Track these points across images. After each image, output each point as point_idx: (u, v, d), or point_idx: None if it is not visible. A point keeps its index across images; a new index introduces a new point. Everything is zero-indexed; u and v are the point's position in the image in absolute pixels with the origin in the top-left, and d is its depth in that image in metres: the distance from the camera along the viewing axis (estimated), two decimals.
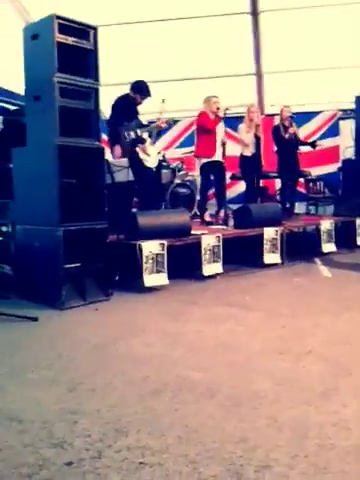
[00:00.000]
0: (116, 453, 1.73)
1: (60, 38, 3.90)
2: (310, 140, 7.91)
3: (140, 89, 5.65)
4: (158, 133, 6.04)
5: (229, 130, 7.00)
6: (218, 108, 6.21)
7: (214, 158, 6.32)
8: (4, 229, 4.82)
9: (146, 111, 6.16)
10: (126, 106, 5.61)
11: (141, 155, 5.58)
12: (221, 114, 6.20)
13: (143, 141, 5.67)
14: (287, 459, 1.69)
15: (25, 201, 4.25)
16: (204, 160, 6.44)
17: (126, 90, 5.75)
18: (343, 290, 4.49)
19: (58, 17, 3.88)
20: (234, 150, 7.03)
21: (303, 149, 7.61)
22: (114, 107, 5.59)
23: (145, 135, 5.75)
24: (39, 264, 4.04)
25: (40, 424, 1.96)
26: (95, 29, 4.15)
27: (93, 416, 2.03)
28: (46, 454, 1.73)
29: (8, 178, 4.44)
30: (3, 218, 4.85)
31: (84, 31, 4.09)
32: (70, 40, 3.98)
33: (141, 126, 5.78)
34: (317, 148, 7.61)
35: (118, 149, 5.56)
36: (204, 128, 6.33)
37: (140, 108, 5.84)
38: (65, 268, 3.89)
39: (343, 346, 2.91)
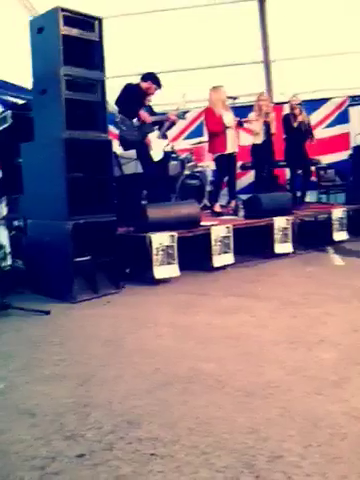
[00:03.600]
0: (128, 445, 1.74)
1: (65, 30, 3.88)
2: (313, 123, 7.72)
3: (155, 79, 5.65)
4: (169, 127, 6.00)
5: (239, 121, 6.91)
6: (226, 97, 6.16)
7: (227, 152, 6.27)
8: (16, 224, 4.84)
9: (161, 103, 6.13)
10: (136, 94, 5.58)
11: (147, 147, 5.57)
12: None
13: (150, 129, 5.65)
14: (299, 449, 1.68)
15: (35, 195, 4.27)
16: (218, 153, 6.40)
17: (132, 81, 5.72)
18: (355, 278, 4.45)
19: (63, 9, 3.86)
20: (243, 140, 6.98)
21: (317, 136, 7.50)
22: (124, 93, 5.54)
23: (153, 127, 5.74)
24: (50, 258, 4.05)
25: (52, 417, 1.97)
26: (100, 20, 4.11)
27: (104, 408, 2.03)
28: (58, 446, 1.74)
29: (19, 173, 4.45)
30: (15, 213, 4.86)
31: (89, 23, 4.06)
32: (75, 32, 3.96)
33: (153, 114, 5.76)
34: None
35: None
36: (211, 131, 6.28)
37: (157, 100, 5.83)
38: (75, 262, 3.90)
39: (355, 335, 2.88)
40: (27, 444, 1.77)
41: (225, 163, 6.36)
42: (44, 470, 1.60)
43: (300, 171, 7.34)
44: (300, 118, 7.03)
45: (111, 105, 6.10)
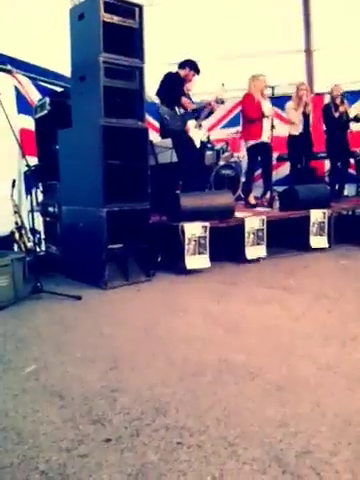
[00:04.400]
0: (154, 432, 1.74)
1: (106, 17, 3.87)
2: (353, 115, 7.47)
3: (193, 66, 5.64)
4: (208, 115, 5.95)
5: (277, 109, 6.77)
6: (265, 86, 6.04)
7: (261, 140, 6.16)
8: (51, 210, 4.91)
9: (199, 92, 6.08)
10: (176, 82, 5.57)
11: (188, 135, 5.56)
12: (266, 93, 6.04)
13: (192, 116, 5.63)
14: (329, 445, 1.64)
15: (70, 182, 4.31)
16: (251, 142, 6.29)
17: (171, 69, 5.70)
18: None
19: None
20: (281, 130, 6.83)
21: (355, 128, 7.29)
22: (164, 82, 5.54)
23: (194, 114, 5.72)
24: (83, 244, 4.10)
25: (81, 401, 1.99)
26: (141, 7, 4.09)
27: (133, 394, 2.04)
28: (85, 430, 1.76)
29: (55, 159, 4.50)
30: (50, 199, 4.93)
31: (130, 10, 4.05)
32: (116, 19, 3.95)
33: (191, 101, 5.74)
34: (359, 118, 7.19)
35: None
36: (248, 117, 6.17)
37: (195, 88, 5.80)
38: (108, 248, 3.93)
39: None
40: (55, 426, 1.79)
41: (258, 153, 6.25)
42: (71, 452, 1.62)
43: (340, 163, 7.16)
44: (342, 108, 6.83)
45: (149, 94, 6.10)
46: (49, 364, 2.40)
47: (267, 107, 6.10)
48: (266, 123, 6.11)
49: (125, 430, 1.75)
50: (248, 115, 6.15)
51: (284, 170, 8.03)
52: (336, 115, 6.82)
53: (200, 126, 5.90)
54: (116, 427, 1.77)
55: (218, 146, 7.19)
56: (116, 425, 1.79)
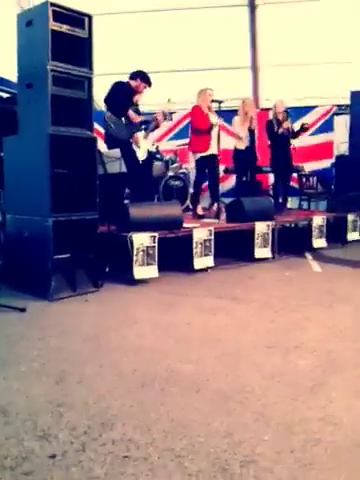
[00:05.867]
0: (101, 446, 1.72)
1: (54, 26, 3.85)
2: (298, 124, 7.74)
3: (144, 78, 5.61)
4: (153, 129, 5.98)
5: (223, 123, 6.94)
6: (212, 100, 6.15)
7: (210, 152, 6.27)
8: None
9: (147, 103, 6.11)
10: (126, 92, 5.54)
11: (133, 146, 5.55)
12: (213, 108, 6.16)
13: (138, 129, 5.63)
14: (272, 454, 1.68)
15: (16, 190, 4.21)
16: (199, 154, 6.39)
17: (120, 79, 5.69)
18: (333, 285, 4.50)
19: (53, 4, 3.82)
20: (228, 143, 6.99)
21: (297, 144, 7.56)
22: (114, 91, 5.50)
23: (141, 126, 5.72)
24: (29, 254, 4.01)
25: (25, 416, 1.94)
26: (90, 17, 4.09)
27: (79, 408, 2.01)
28: (30, 446, 1.72)
29: (0, 167, 4.39)
30: None
31: (79, 19, 4.04)
32: (64, 28, 3.93)
33: (139, 114, 5.73)
34: (306, 127, 7.43)
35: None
36: (197, 128, 6.28)
37: (142, 99, 5.81)
38: (55, 259, 3.86)
39: (332, 341, 2.91)
40: None
41: (206, 165, 6.36)
42: (14, 470, 1.58)
43: (283, 177, 7.39)
44: (285, 125, 7.06)
45: (98, 103, 6.06)
46: None
47: (214, 119, 6.23)
48: (214, 135, 6.23)
49: (71, 445, 1.73)
50: (197, 126, 6.25)
51: (230, 182, 8.22)
52: (279, 131, 7.03)
53: (146, 137, 5.93)
54: (62, 442, 1.75)
55: (167, 157, 7.25)
56: (62, 440, 1.76)
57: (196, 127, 6.29)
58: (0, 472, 1.56)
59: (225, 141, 6.69)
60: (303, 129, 7.28)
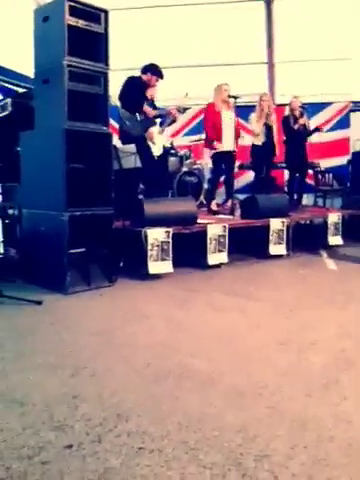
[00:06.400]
0: (116, 438, 1.74)
1: (71, 21, 3.86)
2: (313, 123, 7.71)
3: (155, 70, 5.60)
4: (170, 123, 5.98)
5: (239, 119, 6.92)
6: (229, 96, 6.14)
7: (223, 148, 6.27)
8: (11, 212, 4.82)
9: (163, 98, 6.11)
10: (138, 87, 5.55)
11: (148, 142, 5.56)
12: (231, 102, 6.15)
13: (153, 124, 5.63)
14: (286, 449, 1.69)
15: (32, 185, 4.25)
16: (213, 150, 6.40)
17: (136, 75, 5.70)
18: (348, 283, 4.47)
19: None
20: (244, 139, 6.99)
21: (313, 140, 7.52)
22: (126, 87, 5.51)
23: (157, 120, 5.73)
24: (44, 248, 4.04)
25: (42, 407, 1.97)
26: (106, 12, 4.10)
27: (94, 401, 2.04)
28: (46, 437, 1.74)
29: (16, 161, 4.43)
30: (10, 201, 4.85)
31: (95, 14, 4.05)
32: (81, 23, 3.94)
33: (155, 108, 5.74)
34: (322, 132, 7.44)
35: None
36: (208, 126, 6.31)
37: (159, 95, 5.81)
38: (70, 253, 3.89)
39: (346, 339, 2.90)
40: (15, 433, 1.77)
41: (221, 161, 6.37)
42: (32, 459, 1.60)
43: (298, 174, 7.36)
44: (301, 121, 7.03)
45: (113, 98, 6.08)
46: (9, 371, 2.36)
47: (228, 116, 6.22)
48: (228, 131, 6.22)
49: (87, 436, 1.75)
50: (208, 124, 6.29)
51: (245, 178, 8.20)
52: (295, 127, 7.01)
53: (162, 132, 5.94)
54: (78, 433, 1.77)
55: (181, 152, 7.26)
56: (78, 431, 1.79)
57: (207, 124, 6.33)
58: (18, 461, 1.59)
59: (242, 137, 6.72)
60: (317, 130, 7.26)
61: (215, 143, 6.23)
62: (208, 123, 6.36)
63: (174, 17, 7.75)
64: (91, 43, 4.08)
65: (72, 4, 3.86)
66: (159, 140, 5.73)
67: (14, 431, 1.78)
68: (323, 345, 2.79)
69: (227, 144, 6.24)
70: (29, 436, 1.75)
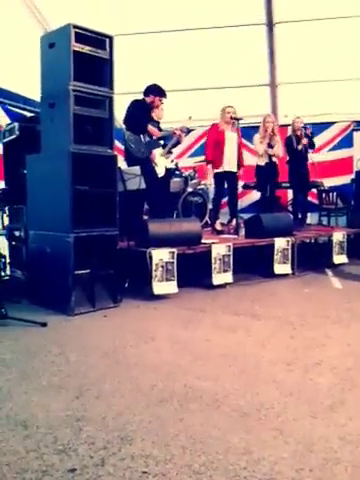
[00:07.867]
0: (120, 461, 1.73)
1: (76, 47, 3.95)
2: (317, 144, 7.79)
3: (157, 91, 5.68)
4: (175, 144, 6.03)
5: (243, 140, 7.00)
6: (231, 117, 6.23)
7: (225, 168, 6.35)
8: (17, 234, 4.86)
9: (167, 120, 6.19)
10: (143, 109, 5.63)
11: (152, 163, 5.63)
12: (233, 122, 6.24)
13: (158, 145, 5.70)
14: (292, 472, 1.67)
15: (38, 207, 4.30)
16: (215, 170, 6.49)
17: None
18: (353, 302, 4.45)
19: (75, 26, 3.93)
20: (248, 160, 7.06)
21: (316, 159, 7.57)
22: (130, 109, 5.59)
23: (160, 142, 5.80)
24: (50, 269, 4.07)
25: (45, 430, 1.96)
26: (111, 38, 4.19)
27: (98, 423, 2.03)
28: (50, 460, 1.74)
29: (22, 184, 4.49)
30: (17, 223, 4.90)
31: (100, 40, 4.14)
32: (86, 49, 4.03)
33: (160, 130, 5.82)
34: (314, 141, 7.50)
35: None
36: (209, 144, 6.45)
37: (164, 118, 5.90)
38: (75, 274, 3.91)
39: (352, 358, 2.88)
40: (19, 456, 1.76)
41: (224, 181, 6.46)
42: None
43: (302, 193, 7.40)
44: (304, 141, 7.09)
45: (118, 121, 6.17)
46: (13, 392, 2.36)
47: (231, 136, 6.30)
48: (229, 151, 6.30)
49: (90, 459, 1.74)
50: (209, 144, 6.42)
51: (250, 198, 8.24)
52: (299, 147, 7.07)
53: (169, 153, 6.01)
54: (81, 457, 1.76)
55: (186, 173, 7.32)
56: (81, 455, 1.78)
57: (208, 143, 6.48)
58: None
59: (246, 157, 6.79)
60: (311, 141, 7.31)
61: (210, 167, 6.38)
62: (209, 142, 6.48)
63: (178, 41, 7.89)
64: (96, 68, 4.16)
65: (78, 31, 3.96)
66: (161, 161, 5.80)
67: (18, 454, 1.77)
68: (328, 365, 2.77)
69: (229, 164, 6.31)
70: (32, 459, 1.74)
